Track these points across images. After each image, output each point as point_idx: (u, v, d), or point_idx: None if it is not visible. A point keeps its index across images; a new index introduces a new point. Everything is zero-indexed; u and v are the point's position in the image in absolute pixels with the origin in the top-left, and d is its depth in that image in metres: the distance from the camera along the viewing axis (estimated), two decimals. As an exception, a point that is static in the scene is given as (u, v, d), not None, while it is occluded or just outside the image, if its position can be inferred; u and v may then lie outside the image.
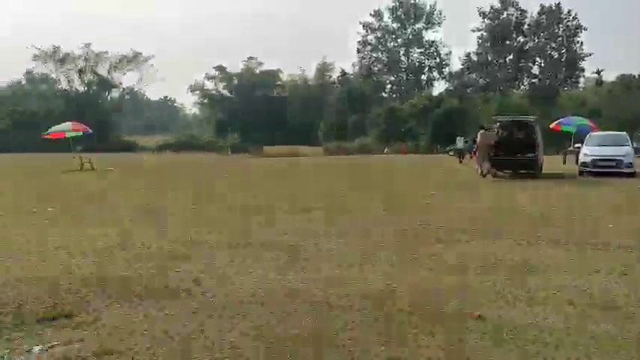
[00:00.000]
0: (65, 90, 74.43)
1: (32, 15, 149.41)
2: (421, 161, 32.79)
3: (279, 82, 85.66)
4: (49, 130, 28.33)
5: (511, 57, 71.22)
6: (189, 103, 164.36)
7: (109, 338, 3.97)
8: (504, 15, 70.69)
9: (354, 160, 37.32)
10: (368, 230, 8.15)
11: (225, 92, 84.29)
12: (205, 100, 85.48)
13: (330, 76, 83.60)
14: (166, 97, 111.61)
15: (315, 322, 4.20)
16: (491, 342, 3.78)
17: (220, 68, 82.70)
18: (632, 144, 20.64)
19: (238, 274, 5.58)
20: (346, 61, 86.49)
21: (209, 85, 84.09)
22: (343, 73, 79.30)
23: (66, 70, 73.77)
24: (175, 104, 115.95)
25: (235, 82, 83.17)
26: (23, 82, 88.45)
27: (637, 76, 56.66)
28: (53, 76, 76.35)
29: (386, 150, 51.28)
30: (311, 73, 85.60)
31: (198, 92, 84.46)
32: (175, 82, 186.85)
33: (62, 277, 5.45)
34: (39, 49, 71.89)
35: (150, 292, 4.98)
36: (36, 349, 3.98)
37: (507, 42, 70.42)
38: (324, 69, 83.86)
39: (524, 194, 13.62)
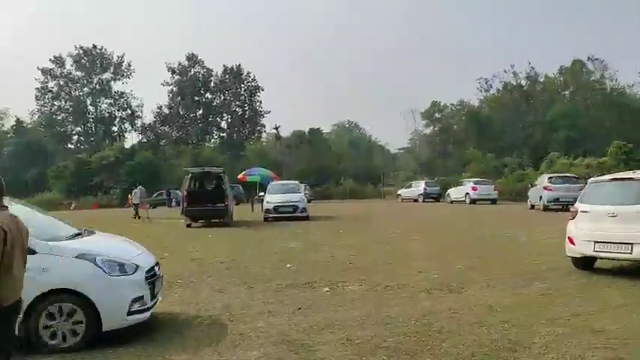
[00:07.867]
0: None
1: None
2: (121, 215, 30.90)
3: None
4: None
5: (201, 112, 74.84)
6: None
7: None
8: (192, 72, 74.22)
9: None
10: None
11: None
12: None
13: (3, 125, 73.07)
14: None
15: None
16: None
17: None
18: (305, 191, 24.03)
19: None
20: (24, 109, 76.99)
21: None
22: (19, 122, 70.42)
23: None
24: None
25: None
26: None
27: (306, 133, 66.23)
28: None
29: (73, 205, 47.30)
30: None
31: None
32: None
33: None
34: None
35: None
36: None
37: (196, 97, 73.87)
38: (-7, 117, 72.83)
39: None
